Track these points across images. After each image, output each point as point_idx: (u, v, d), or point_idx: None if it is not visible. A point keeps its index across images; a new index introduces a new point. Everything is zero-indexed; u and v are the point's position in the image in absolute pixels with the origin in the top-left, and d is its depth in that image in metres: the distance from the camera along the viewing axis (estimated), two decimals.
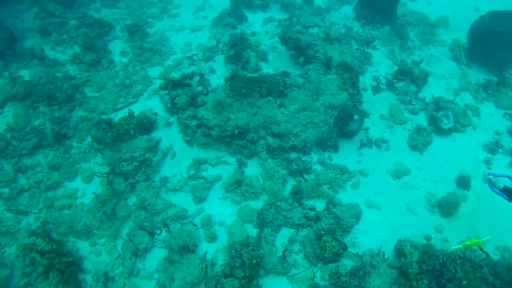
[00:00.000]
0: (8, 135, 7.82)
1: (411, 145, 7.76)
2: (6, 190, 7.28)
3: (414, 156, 7.63)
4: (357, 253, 6.22)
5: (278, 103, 7.41)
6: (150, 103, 8.42)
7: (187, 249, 6.24)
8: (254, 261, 5.77)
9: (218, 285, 5.70)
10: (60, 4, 11.06)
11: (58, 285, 6.01)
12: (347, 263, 6.15)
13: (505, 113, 8.40)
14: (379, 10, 10.69)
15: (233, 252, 5.99)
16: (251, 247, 5.95)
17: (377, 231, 6.56)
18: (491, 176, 4.54)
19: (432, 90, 8.87)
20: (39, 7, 10.90)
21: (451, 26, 11.36)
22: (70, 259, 6.19)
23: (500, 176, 4.52)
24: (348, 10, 11.50)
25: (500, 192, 4.49)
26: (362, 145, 7.54)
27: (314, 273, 6.04)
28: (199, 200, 6.84)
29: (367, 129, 7.74)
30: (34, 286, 6.08)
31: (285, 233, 6.48)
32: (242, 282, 5.71)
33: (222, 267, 5.96)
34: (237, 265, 5.89)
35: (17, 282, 6.19)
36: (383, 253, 6.09)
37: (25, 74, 9.08)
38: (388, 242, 6.26)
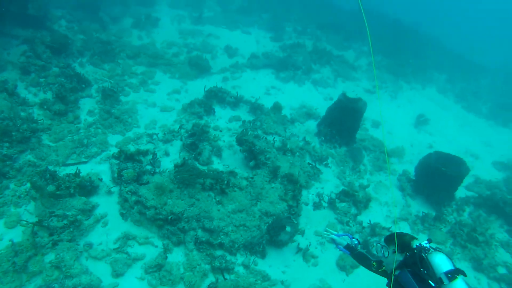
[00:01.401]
0: None
1: (339, 265, 7.99)
2: None
3: (340, 276, 7.84)
4: None
5: (217, 199, 7.79)
6: (99, 168, 8.56)
7: None
8: None
9: None
10: (50, 49, 11.51)
11: None
12: None
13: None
14: (340, 131, 11.54)
15: None
16: None
17: None
18: (334, 236, 5.05)
19: (373, 215, 9.42)
20: (29, 46, 11.33)
21: (405, 158, 12.57)
22: None
23: (342, 235, 5.08)
24: (312, 125, 12.48)
25: (344, 249, 4.98)
26: (298, 250, 7.89)
27: None
28: (117, 274, 6.76)
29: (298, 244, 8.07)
30: None
31: None
32: None
33: None
34: None
35: None
36: None
37: None
38: None
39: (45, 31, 12.93)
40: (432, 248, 3.96)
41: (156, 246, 7.32)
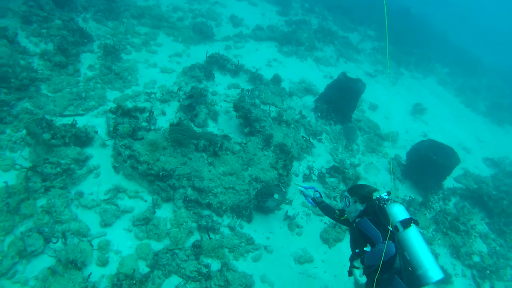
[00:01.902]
0: None
1: (323, 238, 8.13)
2: None
3: (322, 248, 7.99)
4: None
5: (209, 161, 7.86)
6: (96, 121, 8.59)
7: (75, 264, 6.20)
8: None
9: None
10: (53, 1, 11.33)
11: None
12: None
13: None
14: (336, 109, 11.59)
15: (115, 280, 6.06)
16: (134, 281, 6.07)
17: None
18: (302, 188, 5.54)
19: None
20: None
21: (399, 143, 12.68)
22: None
23: (308, 188, 5.58)
24: (309, 100, 12.53)
25: (311, 201, 5.51)
26: (286, 217, 8.07)
27: None
28: (105, 224, 6.90)
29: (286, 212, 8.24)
30: None
31: (174, 281, 6.60)
32: None
33: None
34: None
35: None
36: None
37: None
38: None
39: None
40: (391, 199, 4.45)
41: (146, 201, 7.43)
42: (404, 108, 16.02)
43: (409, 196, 10.24)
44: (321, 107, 11.76)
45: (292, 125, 10.19)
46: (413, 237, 4.25)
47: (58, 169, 7.13)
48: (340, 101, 11.49)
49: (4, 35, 9.46)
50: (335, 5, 22.72)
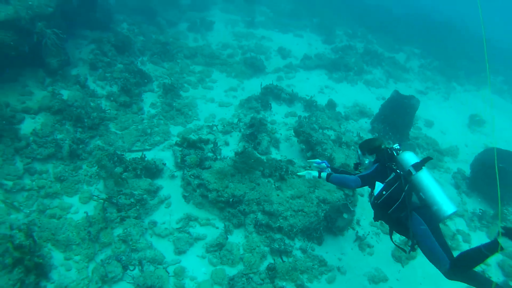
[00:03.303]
0: (31, 138, 9.07)
1: (395, 256, 8.49)
2: (10, 184, 8.31)
3: (395, 267, 8.34)
4: None
5: (276, 185, 8.63)
6: (162, 155, 9.68)
7: None
8: None
9: None
10: (115, 48, 13.09)
11: (17, 283, 6.55)
12: None
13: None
14: (393, 127, 12.29)
15: None
16: None
17: None
18: (315, 164, 6.22)
19: None
20: (97, 45, 12.96)
21: (459, 157, 12.91)
22: (41, 261, 6.95)
23: (320, 163, 6.19)
24: (365, 123, 13.35)
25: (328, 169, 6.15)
26: (356, 238, 8.54)
27: None
28: (179, 251, 7.69)
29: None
30: None
31: None
32: None
33: None
34: None
35: None
36: None
37: (65, 94, 10.58)
38: None
39: (110, 32, 14.55)
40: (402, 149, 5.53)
41: (217, 228, 8.20)
42: (460, 121, 16.27)
43: (479, 209, 10.32)
44: (378, 127, 12.53)
45: (352, 147, 10.84)
46: (425, 178, 5.16)
47: (132, 200, 8.13)
48: (396, 119, 12.20)
49: (77, 81, 11.12)
50: (376, 27, 24.21)
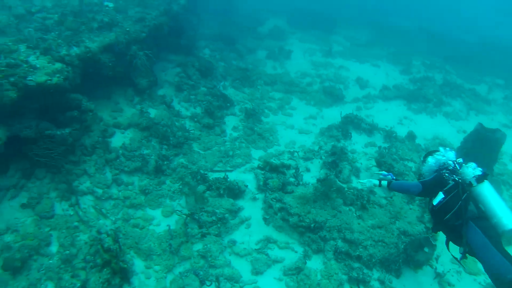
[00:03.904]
0: (120, 151, 9.98)
1: None
2: (100, 192, 9.16)
3: None
4: None
5: (357, 214, 8.80)
6: (243, 177, 10.16)
7: None
8: None
9: None
10: (199, 72, 14.09)
11: (106, 282, 7.21)
12: None
13: None
14: (476, 162, 11.81)
15: None
16: None
17: None
18: (381, 176, 6.64)
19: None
20: (182, 68, 14.06)
21: None
22: (125, 266, 7.55)
23: (387, 175, 6.59)
24: None
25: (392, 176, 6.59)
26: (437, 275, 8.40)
27: None
28: (257, 272, 7.98)
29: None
30: (87, 273, 7.42)
31: None
32: None
33: None
34: None
35: (77, 262, 7.64)
36: None
37: (152, 112, 11.52)
38: None
39: (193, 57, 15.66)
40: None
41: (296, 252, 8.41)
42: None
43: None
44: None
45: None
46: (486, 190, 5.46)
47: (214, 218, 8.61)
48: (479, 154, 11.77)
49: (163, 101, 12.11)
50: (453, 57, 23.75)
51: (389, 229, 8.63)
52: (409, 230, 8.69)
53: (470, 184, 5.50)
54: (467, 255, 5.44)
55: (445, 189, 5.66)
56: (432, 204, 5.74)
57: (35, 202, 8.61)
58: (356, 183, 10.21)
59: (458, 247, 5.52)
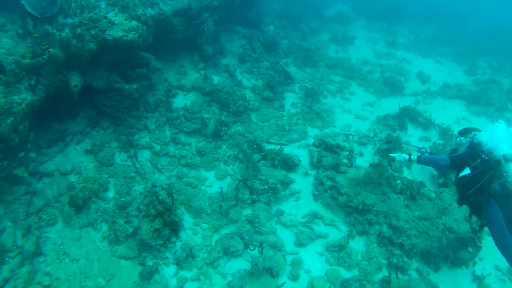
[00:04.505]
0: (181, 112, 10.34)
1: None
2: (157, 147, 9.56)
3: None
4: None
5: (405, 203, 8.77)
6: (297, 152, 10.30)
7: (270, 272, 7.53)
8: None
9: None
10: (263, 47, 14.23)
11: (156, 232, 7.62)
12: None
13: None
14: None
15: None
16: None
17: None
18: (416, 148, 7.37)
19: None
20: (247, 41, 14.27)
21: None
22: (176, 219, 7.93)
23: (421, 148, 7.22)
24: None
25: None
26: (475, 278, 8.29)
27: None
28: (300, 244, 8.18)
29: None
30: (139, 221, 7.82)
31: None
32: None
33: None
34: None
35: (131, 210, 8.08)
36: None
37: (215, 79, 11.85)
38: None
39: (259, 31, 15.83)
40: None
41: (340, 230, 8.53)
42: None
43: None
44: None
45: None
46: None
47: (265, 186, 8.81)
48: None
49: (227, 69, 12.36)
50: None
51: (435, 223, 8.55)
52: (454, 227, 8.55)
53: (499, 162, 5.62)
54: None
55: (472, 164, 5.94)
56: (459, 178, 6.08)
57: (98, 150, 9.14)
58: (395, 160, 10.19)
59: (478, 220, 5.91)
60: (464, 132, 6.71)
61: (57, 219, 7.93)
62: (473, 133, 6.41)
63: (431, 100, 15.78)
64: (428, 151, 7.10)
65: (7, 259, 7.03)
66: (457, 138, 6.75)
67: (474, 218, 6.22)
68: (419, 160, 6.62)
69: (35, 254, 7.26)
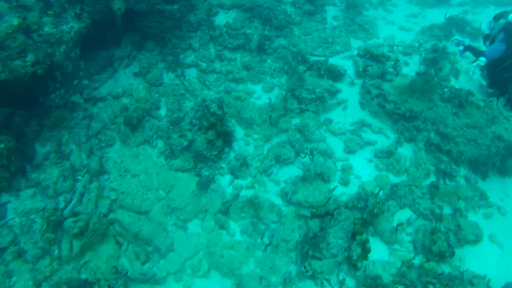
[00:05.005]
0: (224, 29, 10.27)
1: None
2: (203, 65, 9.65)
3: None
4: (459, 266, 7.13)
5: (453, 111, 8.65)
6: (342, 63, 10.16)
7: (322, 177, 7.78)
8: (376, 210, 7.09)
9: (336, 211, 7.10)
10: None
11: (210, 143, 7.85)
12: (445, 270, 7.06)
13: None
14: None
15: (362, 194, 7.38)
16: (378, 200, 7.29)
17: (490, 265, 7.15)
18: (456, 41, 7.77)
19: None
20: None
21: None
22: (229, 129, 8.16)
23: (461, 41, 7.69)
24: None
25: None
26: None
27: (413, 257, 7.12)
28: (349, 151, 8.34)
29: None
30: (193, 134, 8.11)
31: (406, 213, 7.66)
32: (356, 222, 7.07)
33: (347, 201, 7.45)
34: (359, 206, 7.31)
35: (184, 124, 8.37)
36: (489, 280, 6.75)
37: None
38: (498, 282, 6.81)
39: None
40: None
41: (388, 138, 8.61)
42: None
43: None
44: None
45: None
46: None
47: (313, 96, 8.87)
48: None
49: None
50: None
51: (484, 131, 8.41)
52: (504, 135, 8.36)
53: None
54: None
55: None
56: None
57: (146, 71, 9.35)
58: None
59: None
60: (498, 17, 6.99)
61: (115, 140, 8.34)
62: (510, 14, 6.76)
63: (482, 9, 14.94)
64: (467, 43, 7.60)
65: (78, 177, 7.63)
66: (491, 22, 7.12)
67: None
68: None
69: (99, 173, 7.77)
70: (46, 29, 7.43)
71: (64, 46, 7.52)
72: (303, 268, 6.80)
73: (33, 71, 7.01)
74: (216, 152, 7.99)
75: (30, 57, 7.00)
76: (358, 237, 6.86)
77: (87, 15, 8.10)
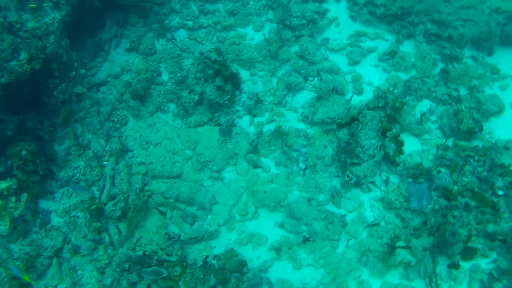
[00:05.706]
0: None
1: None
2: (190, 23, 9.44)
3: None
4: (491, 138, 7.21)
5: None
6: None
7: (336, 91, 7.76)
8: (397, 104, 7.09)
9: (360, 115, 7.09)
10: None
11: (220, 90, 7.74)
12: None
13: None
14: None
15: (380, 93, 7.39)
16: (396, 95, 7.30)
17: None
18: None
19: None
20: None
21: None
22: (235, 71, 8.02)
23: None
24: None
25: None
26: None
27: (446, 141, 7.20)
28: (354, 62, 8.30)
29: None
30: (201, 86, 7.99)
31: (425, 104, 7.72)
32: (382, 119, 7.08)
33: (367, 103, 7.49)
34: (380, 105, 7.33)
35: (189, 81, 8.25)
36: None
37: None
38: None
39: None
40: None
41: (387, 40, 8.56)
42: None
43: None
44: None
45: None
46: None
47: (304, 21, 8.73)
48: None
49: None
50: None
51: (479, 8, 8.35)
52: (502, 6, 8.28)
53: None
54: None
55: None
56: None
57: (137, 44, 9.17)
58: None
59: None
60: None
61: (127, 117, 8.26)
62: None
63: None
64: None
65: (104, 162, 7.66)
66: None
67: None
68: None
69: (123, 152, 7.73)
70: (29, 24, 7.18)
71: (53, 36, 7.31)
72: (346, 177, 6.84)
73: (31, 67, 6.83)
74: (228, 97, 7.89)
75: (23, 55, 6.80)
76: (388, 133, 6.90)
77: (65, 2, 7.84)
